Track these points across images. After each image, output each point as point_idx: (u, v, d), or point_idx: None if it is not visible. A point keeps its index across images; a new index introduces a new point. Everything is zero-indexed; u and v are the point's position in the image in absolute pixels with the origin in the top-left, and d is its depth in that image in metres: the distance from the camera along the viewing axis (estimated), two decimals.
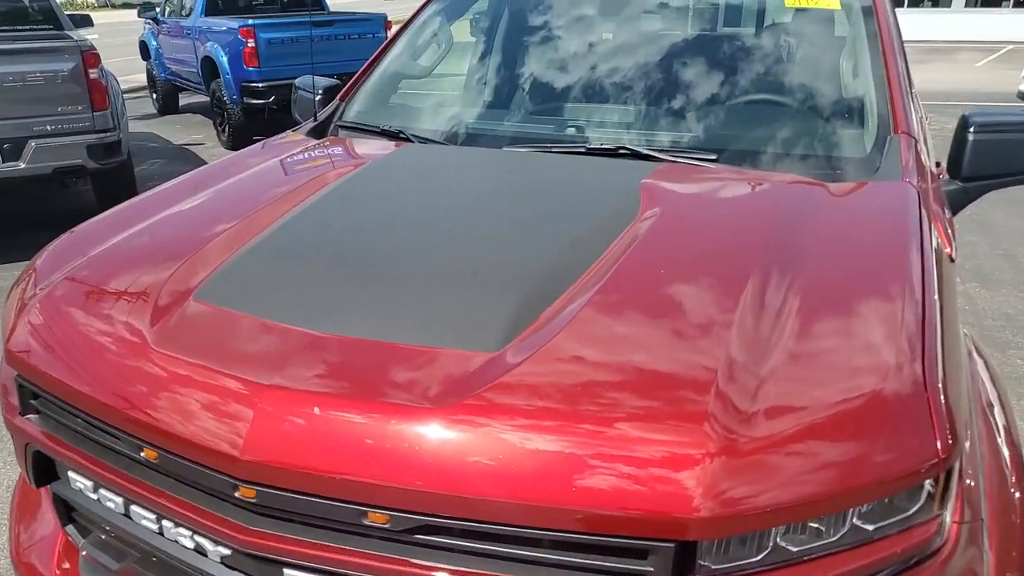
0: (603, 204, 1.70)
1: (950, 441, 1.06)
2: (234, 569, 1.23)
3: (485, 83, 2.78)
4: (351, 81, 2.63)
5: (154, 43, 11.66)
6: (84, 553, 1.51)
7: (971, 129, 2.00)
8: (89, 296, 1.47)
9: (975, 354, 1.74)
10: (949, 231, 1.78)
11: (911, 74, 2.70)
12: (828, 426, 1.07)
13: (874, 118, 2.04)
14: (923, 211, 1.61)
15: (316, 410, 1.13)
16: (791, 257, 1.44)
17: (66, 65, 5.52)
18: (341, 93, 2.60)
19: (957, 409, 1.16)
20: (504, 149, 2.16)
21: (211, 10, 10.11)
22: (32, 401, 1.42)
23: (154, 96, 12.11)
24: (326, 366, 1.22)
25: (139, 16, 12.26)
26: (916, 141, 1.96)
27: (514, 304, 1.29)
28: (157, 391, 1.23)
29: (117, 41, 18.99)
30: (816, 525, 1.06)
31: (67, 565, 1.54)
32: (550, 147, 2.10)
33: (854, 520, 1.06)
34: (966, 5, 26.37)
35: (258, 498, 1.14)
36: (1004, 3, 26.00)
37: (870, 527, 1.07)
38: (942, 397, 1.11)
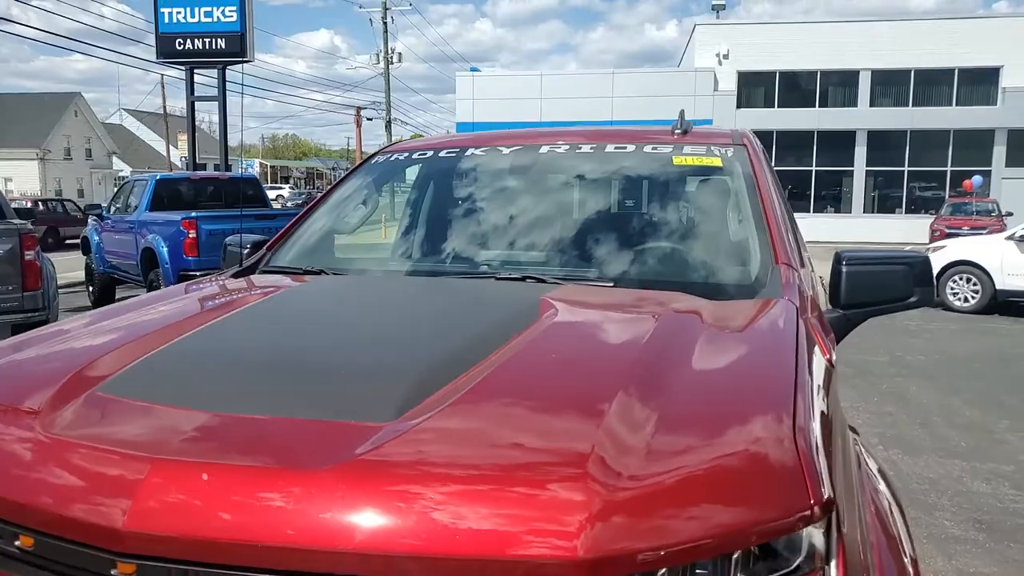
0: (505, 311, 1.80)
1: (823, 495, 1.10)
2: None
3: (409, 236, 2.96)
4: (278, 235, 2.75)
5: (96, 238, 11.87)
6: None
7: (843, 263, 2.21)
8: None
9: (864, 456, 1.80)
10: (828, 342, 1.90)
11: (794, 221, 3.05)
12: (702, 480, 1.11)
13: (757, 254, 2.24)
14: (799, 318, 1.74)
15: (204, 476, 1.11)
16: (675, 347, 1.53)
17: (3, 245, 5.59)
18: (267, 244, 2.72)
19: (834, 472, 1.20)
20: (420, 277, 2.27)
21: (156, 206, 10.48)
22: None
23: (90, 289, 12.13)
24: (215, 439, 1.22)
25: (83, 212, 12.60)
26: (795, 271, 2.14)
27: (406, 386, 1.32)
28: (41, 473, 1.19)
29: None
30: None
31: None
32: (464, 276, 2.24)
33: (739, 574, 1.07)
34: (864, 211, 29.19)
35: (139, 573, 1.07)
36: (897, 210, 28.90)
37: None
38: (815, 457, 1.15)
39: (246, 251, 2.67)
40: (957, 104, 27.90)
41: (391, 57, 35.00)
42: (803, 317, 1.79)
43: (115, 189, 12.29)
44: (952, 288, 11.87)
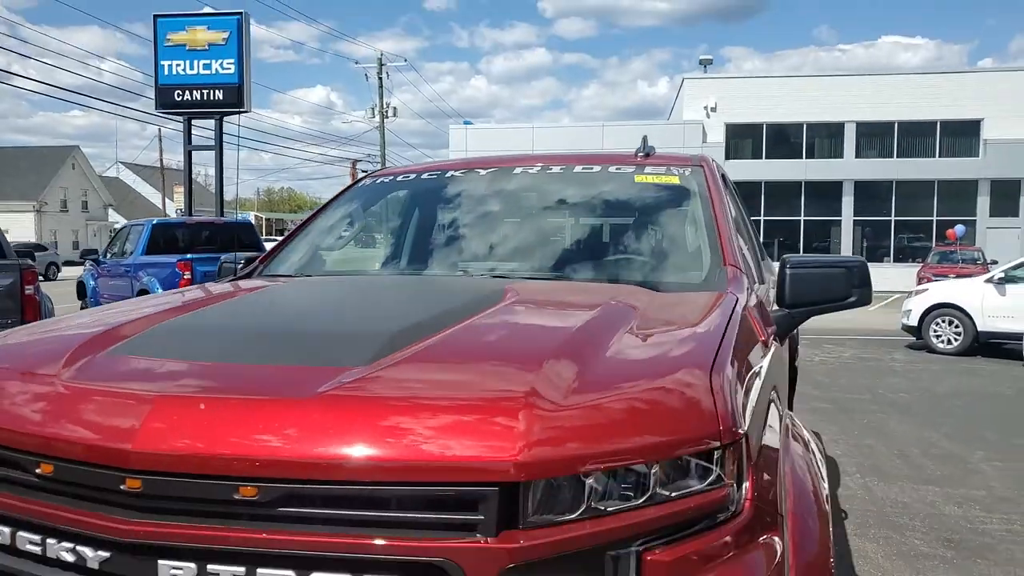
0: (472, 295, 2.01)
1: (732, 427, 1.28)
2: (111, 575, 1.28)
3: (392, 248, 3.19)
4: (271, 250, 2.96)
5: (92, 283, 12.04)
6: None
7: (788, 267, 2.42)
8: (7, 357, 1.65)
9: (802, 432, 1.95)
10: (767, 330, 2.09)
11: (750, 230, 3.33)
12: (625, 406, 1.29)
13: (708, 257, 2.47)
14: (737, 305, 1.94)
15: (201, 406, 1.30)
16: (617, 316, 1.75)
17: (4, 280, 5.80)
18: (260, 258, 2.93)
19: (747, 416, 1.38)
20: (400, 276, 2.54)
21: (152, 250, 10.66)
22: None
23: None
24: (209, 380, 1.41)
25: (81, 259, 12.78)
26: (742, 272, 2.36)
27: (379, 343, 1.51)
28: (61, 412, 1.38)
29: (59, 290, 19.30)
30: (623, 489, 1.22)
31: None
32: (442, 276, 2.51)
33: (656, 489, 1.24)
34: None
35: (144, 487, 1.24)
36: (885, 259, 29.31)
37: (666, 492, 1.24)
38: (727, 396, 1.33)
39: (240, 265, 2.86)
40: (940, 156, 28.58)
41: (387, 111, 35.80)
42: (741, 305, 1.98)
43: (111, 235, 12.52)
44: (935, 330, 12.05)
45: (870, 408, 7.90)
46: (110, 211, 54.86)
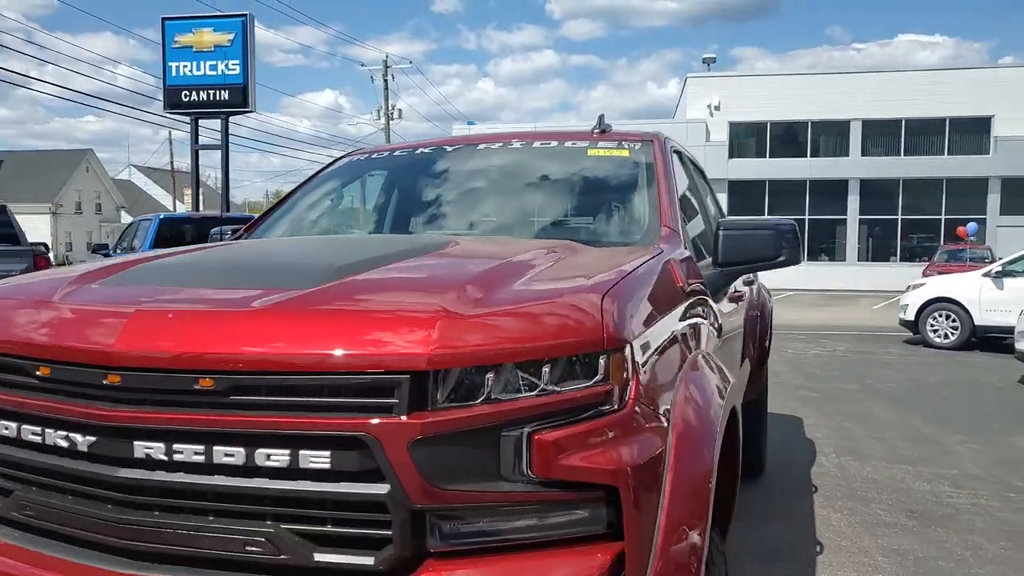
0: (423, 242, 2.31)
1: (616, 335, 1.50)
2: (97, 458, 1.51)
3: (363, 216, 3.45)
4: (254, 220, 3.21)
5: None
6: None
7: (721, 229, 2.58)
8: (16, 291, 1.91)
9: (708, 360, 2.12)
10: (688, 280, 2.27)
11: (706, 203, 3.57)
12: (523, 315, 1.52)
13: (646, 220, 2.67)
14: (660, 257, 2.13)
15: (170, 316, 1.55)
16: (542, 257, 1.99)
17: (20, 265, 6.16)
18: (244, 228, 3.18)
19: (634, 331, 1.59)
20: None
21: (159, 244, 10.83)
22: None
23: None
24: (180, 298, 1.67)
25: (91, 253, 13.06)
26: (676, 233, 2.54)
27: (328, 272, 1.73)
28: (56, 324, 1.65)
29: None
30: (521, 380, 1.43)
31: None
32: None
33: (547, 385, 1.44)
34: (858, 259, 29.56)
35: (122, 381, 1.48)
36: (892, 258, 29.27)
37: (554, 387, 1.45)
38: (615, 312, 1.54)
39: (228, 235, 3.09)
40: (949, 153, 28.44)
41: (392, 113, 36.10)
42: (664, 258, 2.15)
43: (121, 231, 12.79)
44: (932, 325, 12.11)
45: (856, 396, 8.01)
46: (122, 213, 55.50)
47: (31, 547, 1.64)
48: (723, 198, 28.85)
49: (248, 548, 1.45)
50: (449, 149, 3.30)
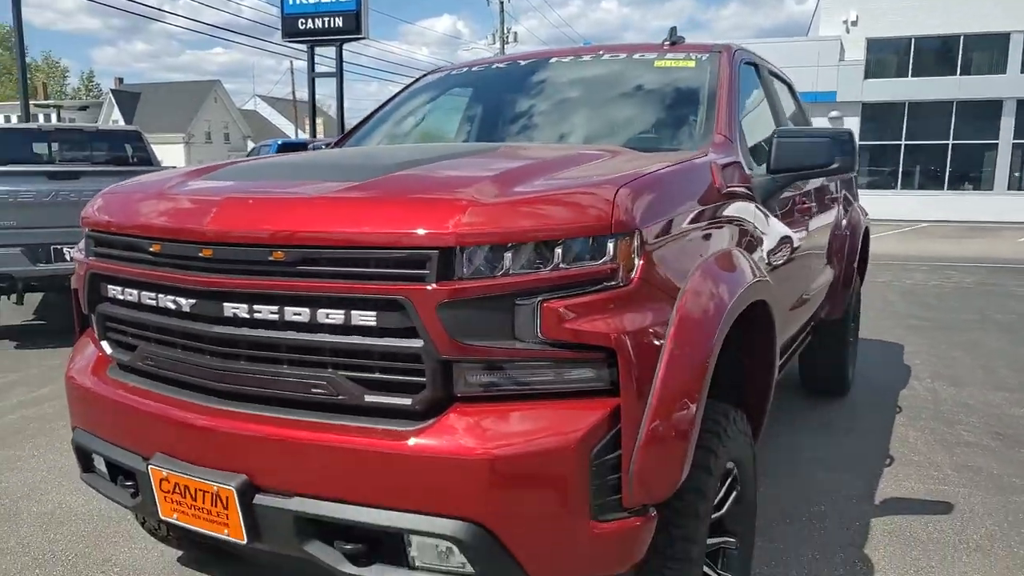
0: (472, 148, 2.57)
1: (624, 221, 1.69)
2: (197, 317, 1.87)
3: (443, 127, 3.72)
4: (343, 135, 3.55)
5: None
6: (110, 351, 2.20)
7: (776, 136, 2.63)
8: (136, 186, 2.28)
9: (734, 257, 2.22)
10: (730, 187, 2.39)
11: (783, 113, 3.62)
12: (543, 201, 1.73)
13: (701, 129, 2.76)
14: (703, 162, 2.28)
15: (250, 202, 1.88)
16: (582, 156, 2.20)
17: None
18: (336, 141, 3.56)
19: (645, 219, 1.77)
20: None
21: None
22: (95, 248, 2.19)
23: None
24: (261, 188, 2.01)
25: None
26: (729, 141, 2.62)
27: (379, 168, 2.03)
28: (165, 210, 2.01)
29: None
30: (536, 257, 1.64)
31: (96, 375, 2.22)
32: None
33: (560, 263, 1.65)
34: (1008, 188, 27.16)
35: (214, 254, 1.81)
36: None
37: (566, 264, 1.65)
38: (628, 202, 1.72)
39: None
40: None
41: (507, 37, 35.82)
42: (708, 162, 2.27)
43: (245, 155, 13.67)
44: None
45: (972, 327, 7.65)
46: (248, 142, 58.43)
47: (152, 389, 2.03)
48: (855, 122, 27.12)
49: (313, 390, 1.76)
50: (523, 63, 3.48)
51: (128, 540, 3.09)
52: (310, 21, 15.67)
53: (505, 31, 35.75)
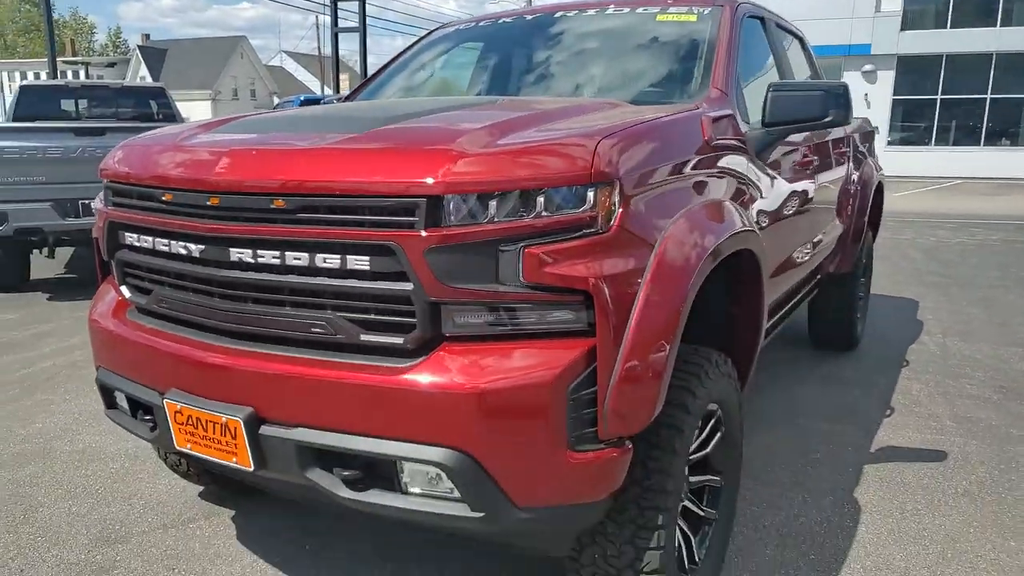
0: (467, 101, 2.69)
1: (604, 172, 1.76)
2: (206, 262, 2.00)
3: (450, 81, 3.78)
4: (354, 89, 3.63)
5: None
6: (129, 295, 2.33)
7: (770, 90, 2.66)
8: (150, 139, 2.40)
9: (721, 207, 2.28)
10: (721, 139, 2.45)
11: (790, 68, 3.65)
12: (527, 151, 1.80)
13: (698, 82, 2.80)
14: (690, 113, 2.34)
15: (253, 153, 1.98)
16: (571, 109, 2.26)
17: None
18: (346, 96, 3.63)
19: (624, 168, 1.83)
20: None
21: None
22: (113, 197, 2.32)
23: None
24: (263, 140, 2.11)
25: None
26: (724, 94, 2.66)
27: (378, 121, 2.13)
28: (177, 162, 2.11)
29: None
30: (519, 205, 1.72)
31: (117, 317, 2.36)
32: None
33: (542, 211, 1.73)
34: None
35: (220, 202, 1.93)
36: None
37: (547, 212, 1.73)
38: (609, 152, 1.80)
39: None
40: None
41: None
42: (698, 115, 2.32)
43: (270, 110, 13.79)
44: None
45: (992, 284, 7.60)
46: (275, 98, 58.44)
47: (167, 330, 2.17)
48: (890, 76, 26.44)
49: (313, 330, 1.88)
50: (528, 18, 3.52)
51: (153, 477, 3.29)
52: None
53: None
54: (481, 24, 3.69)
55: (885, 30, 25.77)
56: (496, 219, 1.72)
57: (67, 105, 9.51)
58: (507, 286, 1.73)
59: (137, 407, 2.27)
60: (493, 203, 1.72)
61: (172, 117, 8.74)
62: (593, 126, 1.96)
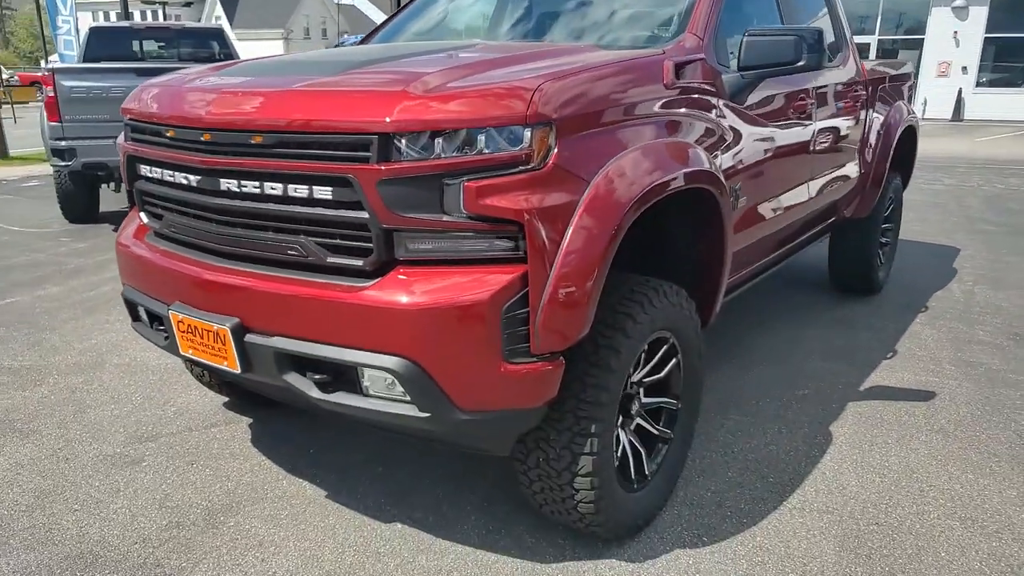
0: (444, 45, 2.84)
1: (540, 113, 1.91)
2: (202, 191, 2.25)
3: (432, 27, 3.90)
4: (371, 31, 3.84)
5: None
6: (145, 220, 2.63)
7: (744, 35, 2.72)
8: (161, 81, 2.62)
9: (676, 147, 2.40)
10: (683, 82, 2.55)
11: (788, 8, 3.59)
12: (471, 93, 1.96)
13: (676, 27, 2.88)
14: (655, 58, 2.47)
15: (239, 94, 2.20)
16: (532, 53, 2.42)
17: None
18: (363, 38, 3.86)
19: (571, 114, 2.01)
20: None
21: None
22: (131, 133, 2.58)
23: None
24: (249, 82, 2.31)
25: None
26: (701, 41, 2.73)
27: (352, 64, 2.37)
28: (180, 101, 2.34)
29: None
30: (462, 142, 1.90)
31: (138, 240, 2.65)
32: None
33: (483, 148, 1.90)
34: None
35: (211, 138, 2.17)
36: None
37: (489, 150, 1.91)
38: (548, 95, 1.95)
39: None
40: None
41: None
42: (662, 60, 2.43)
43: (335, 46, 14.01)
44: None
45: None
46: (345, 36, 58.69)
47: (174, 251, 2.45)
48: (983, 12, 24.83)
49: (288, 252, 2.12)
50: None
51: (186, 388, 3.66)
52: None
53: None
54: None
55: None
56: (442, 155, 1.90)
57: (135, 46, 9.96)
58: (451, 216, 1.92)
59: (153, 319, 2.57)
60: (439, 140, 1.90)
61: (230, 57, 9.07)
62: (540, 71, 2.10)
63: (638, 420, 2.47)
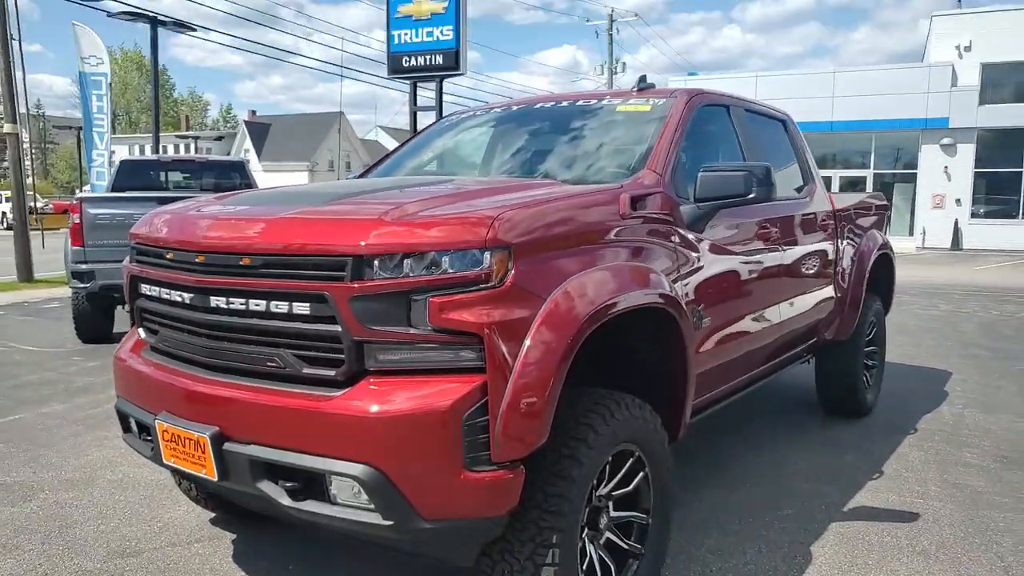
0: (424, 181, 3.18)
1: (498, 239, 2.10)
2: (194, 308, 2.42)
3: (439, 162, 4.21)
4: (370, 166, 4.14)
5: None
6: (143, 335, 2.78)
7: (700, 171, 2.98)
8: (165, 210, 2.85)
9: (625, 271, 2.57)
10: (640, 213, 2.75)
11: (750, 150, 3.83)
12: (439, 222, 2.17)
13: (634, 164, 3.13)
14: (604, 194, 2.70)
15: (232, 221, 2.43)
16: (497, 189, 2.65)
17: None
18: (361, 173, 4.15)
19: (531, 241, 2.20)
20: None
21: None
22: (136, 255, 2.78)
23: None
24: (244, 212, 2.53)
25: None
26: (660, 177, 2.97)
27: (337, 195, 2.63)
28: (178, 228, 2.57)
29: None
30: (428, 263, 2.07)
31: (135, 354, 2.79)
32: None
33: (447, 268, 2.07)
34: None
35: (205, 259, 2.36)
36: None
37: (453, 270, 2.07)
38: (503, 225, 2.13)
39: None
40: None
41: (616, 68, 36.48)
42: (619, 194, 2.70)
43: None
44: None
45: None
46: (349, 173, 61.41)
47: (165, 363, 2.60)
48: (970, 149, 25.82)
49: (268, 363, 2.27)
50: (514, 108, 4.03)
51: (174, 504, 3.71)
52: (413, 59, 16.68)
53: (614, 62, 36.42)
54: (477, 113, 4.25)
55: (963, 104, 25.38)
56: (409, 275, 2.08)
57: (161, 176, 10.58)
58: (417, 328, 2.08)
59: (142, 429, 2.69)
60: (407, 261, 2.09)
61: (248, 186, 9.61)
62: (503, 202, 2.33)
63: (607, 534, 2.50)
